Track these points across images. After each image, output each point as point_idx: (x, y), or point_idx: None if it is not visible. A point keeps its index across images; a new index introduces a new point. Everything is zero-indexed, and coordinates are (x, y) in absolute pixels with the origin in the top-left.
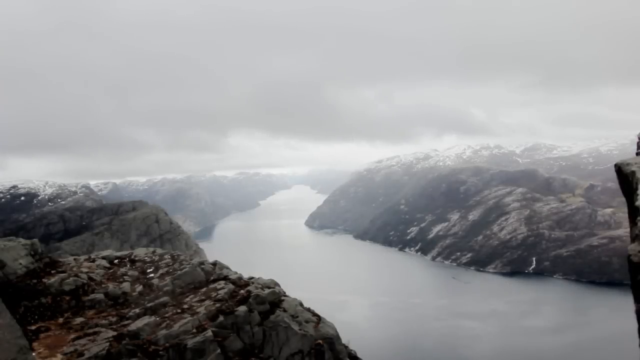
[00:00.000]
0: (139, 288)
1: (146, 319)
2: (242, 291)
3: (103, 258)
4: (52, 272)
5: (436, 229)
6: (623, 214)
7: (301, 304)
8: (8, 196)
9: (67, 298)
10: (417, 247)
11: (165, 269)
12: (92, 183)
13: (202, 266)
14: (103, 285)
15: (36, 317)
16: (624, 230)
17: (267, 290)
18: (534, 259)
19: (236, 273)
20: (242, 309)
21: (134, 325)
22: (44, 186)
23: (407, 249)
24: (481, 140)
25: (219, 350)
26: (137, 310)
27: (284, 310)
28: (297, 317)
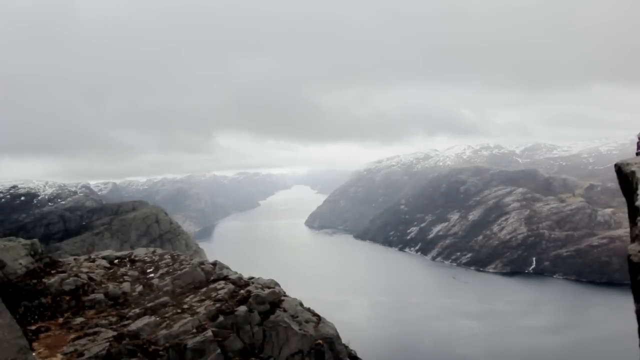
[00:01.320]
0: (139, 288)
1: (146, 319)
2: (242, 291)
3: (103, 258)
4: (52, 272)
5: (436, 229)
6: (623, 214)
7: (301, 304)
8: (8, 196)
9: (67, 298)
10: (417, 247)
11: (165, 269)
12: (92, 183)
13: (202, 266)
14: (103, 285)
15: (36, 317)
16: (624, 230)
17: (267, 290)
18: (534, 259)
19: (236, 273)
20: (242, 309)
21: (134, 325)
22: (44, 186)
23: (407, 249)
24: (470, 140)
25: (219, 350)
26: (137, 310)
27: (284, 310)
28: (297, 317)
